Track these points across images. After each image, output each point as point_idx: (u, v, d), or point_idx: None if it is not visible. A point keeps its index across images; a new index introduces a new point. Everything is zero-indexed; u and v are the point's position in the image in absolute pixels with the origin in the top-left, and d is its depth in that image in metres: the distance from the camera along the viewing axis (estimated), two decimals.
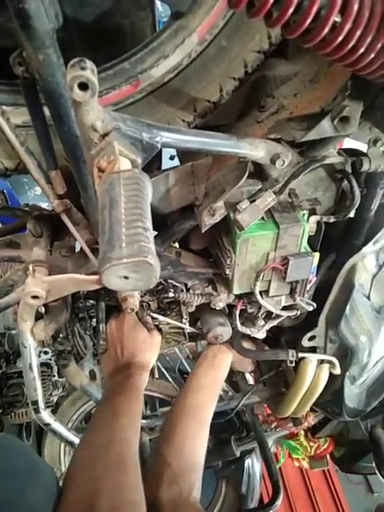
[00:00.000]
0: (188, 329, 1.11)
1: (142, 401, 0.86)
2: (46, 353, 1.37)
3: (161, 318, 1.06)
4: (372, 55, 0.54)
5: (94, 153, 0.51)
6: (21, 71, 0.55)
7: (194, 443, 0.87)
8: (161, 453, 0.84)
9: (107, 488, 0.59)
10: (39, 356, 0.91)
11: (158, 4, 0.79)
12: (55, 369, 1.59)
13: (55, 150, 0.68)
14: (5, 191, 2.74)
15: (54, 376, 1.61)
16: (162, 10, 0.86)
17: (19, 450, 0.62)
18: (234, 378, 1.48)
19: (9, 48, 0.55)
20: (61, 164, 0.71)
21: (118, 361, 0.95)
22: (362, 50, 0.53)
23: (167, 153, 1.01)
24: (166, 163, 0.99)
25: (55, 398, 1.72)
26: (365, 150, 0.80)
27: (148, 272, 0.40)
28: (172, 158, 1.03)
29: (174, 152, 1.06)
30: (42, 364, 1.52)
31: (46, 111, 0.60)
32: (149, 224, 0.43)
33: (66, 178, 0.73)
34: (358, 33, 0.52)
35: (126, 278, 0.41)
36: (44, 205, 0.96)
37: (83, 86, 0.45)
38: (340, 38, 0.52)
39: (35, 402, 0.91)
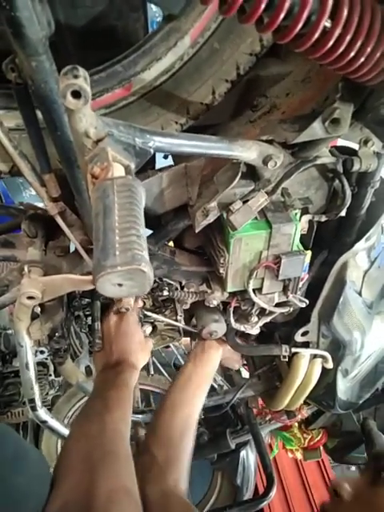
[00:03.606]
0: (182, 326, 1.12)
1: (132, 398, 0.87)
2: (42, 352, 1.37)
3: (154, 316, 1.07)
4: (362, 59, 0.55)
5: (88, 159, 0.51)
6: (14, 77, 0.55)
7: (181, 437, 0.88)
8: (148, 447, 0.86)
9: (103, 475, 0.61)
10: (35, 355, 0.91)
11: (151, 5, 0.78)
12: (52, 368, 1.60)
13: (49, 152, 0.68)
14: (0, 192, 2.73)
15: (50, 375, 1.62)
16: (155, 9, 0.85)
17: (8, 437, 0.63)
18: (228, 373, 1.50)
19: (2, 52, 0.56)
20: (55, 166, 0.72)
21: (110, 357, 0.95)
22: (352, 55, 0.54)
23: None
24: (160, 162, 0.99)
25: (51, 397, 1.74)
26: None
27: (142, 279, 0.41)
28: (166, 157, 1.03)
29: None
30: (39, 363, 1.53)
31: (39, 115, 0.60)
32: (142, 231, 0.44)
33: (59, 179, 0.74)
34: (348, 38, 0.52)
35: (120, 285, 0.42)
36: (39, 204, 0.96)
37: (76, 94, 0.45)
38: (330, 43, 0.52)
39: (32, 401, 0.92)
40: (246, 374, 1.54)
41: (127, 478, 0.64)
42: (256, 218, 0.81)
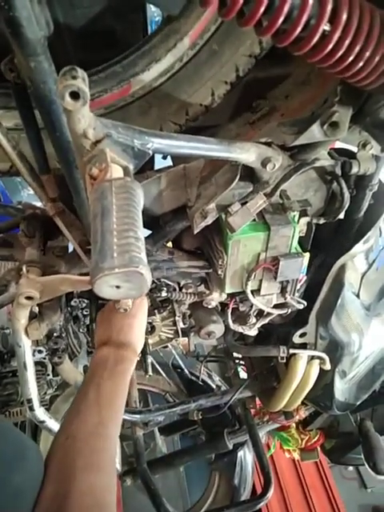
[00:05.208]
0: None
1: (127, 390, 0.82)
2: (40, 352, 1.37)
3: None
4: (361, 63, 0.55)
5: (86, 160, 0.51)
6: (12, 77, 0.55)
7: None
8: None
9: (78, 489, 0.59)
10: (33, 355, 0.91)
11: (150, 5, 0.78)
12: (50, 367, 1.60)
13: (47, 153, 0.68)
14: None
15: (48, 375, 1.63)
16: (154, 10, 0.85)
17: (8, 435, 0.63)
18: (226, 374, 1.50)
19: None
20: (53, 166, 0.71)
21: (118, 333, 0.87)
22: (350, 59, 0.54)
23: None
24: (159, 162, 0.99)
25: (49, 396, 1.74)
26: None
27: (139, 281, 0.41)
28: (165, 157, 1.03)
29: None
30: (37, 363, 1.53)
31: (38, 115, 0.60)
32: (140, 233, 0.44)
33: (58, 179, 0.74)
34: (347, 42, 0.52)
35: (117, 287, 0.42)
36: (38, 204, 0.95)
37: (74, 95, 0.45)
38: (329, 47, 0.52)
39: (30, 400, 0.92)
40: (243, 374, 1.54)
41: (104, 493, 0.63)
42: (254, 220, 0.81)
